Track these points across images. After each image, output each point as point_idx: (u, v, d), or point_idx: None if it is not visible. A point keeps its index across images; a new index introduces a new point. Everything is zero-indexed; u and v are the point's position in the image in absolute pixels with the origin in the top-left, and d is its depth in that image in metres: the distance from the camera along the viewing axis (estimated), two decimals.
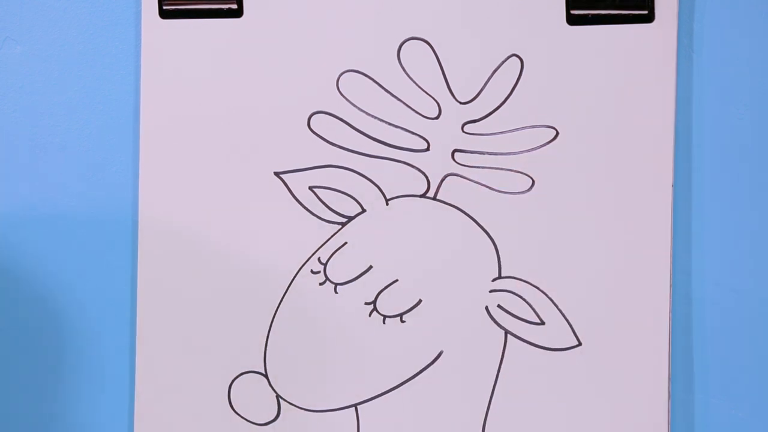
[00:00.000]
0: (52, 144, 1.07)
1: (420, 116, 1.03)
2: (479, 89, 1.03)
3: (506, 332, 1.03)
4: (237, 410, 1.05)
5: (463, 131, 1.03)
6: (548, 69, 1.02)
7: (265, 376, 1.05)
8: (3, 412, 1.08)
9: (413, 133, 1.03)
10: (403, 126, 1.03)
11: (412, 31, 1.03)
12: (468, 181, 1.03)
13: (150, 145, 1.05)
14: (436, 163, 1.03)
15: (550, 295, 1.02)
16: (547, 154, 1.02)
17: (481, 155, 1.03)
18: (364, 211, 1.04)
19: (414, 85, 1.03)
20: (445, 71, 1.03)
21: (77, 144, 1.07)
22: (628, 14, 1.01)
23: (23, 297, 1.07)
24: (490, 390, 1.03)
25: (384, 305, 1.04)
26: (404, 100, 1.03)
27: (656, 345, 1.01)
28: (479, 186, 1.03)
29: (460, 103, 1.03)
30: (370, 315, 1.04)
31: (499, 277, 1.03)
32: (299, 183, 1.04)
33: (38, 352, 1.07)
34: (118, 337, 1.06)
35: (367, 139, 1.04)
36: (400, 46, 1.03)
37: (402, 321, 1.04)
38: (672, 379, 1.01)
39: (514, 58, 1.02)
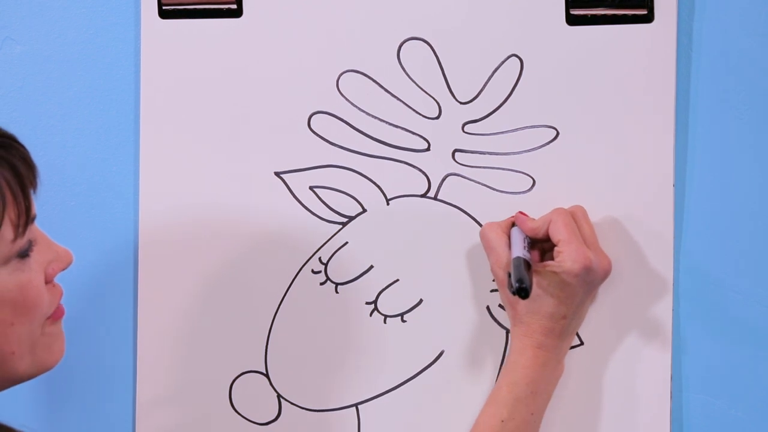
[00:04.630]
0: (52, 144, 1.07)
1: (420, 116, 1.03)
2: (479, 89, 1.03)
3: (508, 332, 1.03)
4: (238, 410, 1.05)
5: (463, 131, 1.03)
6: (548, 69, 1.02)
7: (266, 375, 1.05)
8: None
9: (414, 133, 1.03)
10: (403, 126, 1.03)
11: (412, 31, 1.03)
12: (468, 181, 1.03)
13: (150, 144, 1.05)
14: (436, 163, 1.03)
15: None
16: (547, 154, 1.02)
17: (482, 155, 1.03)
18: (364, 210, 1.04)
19: (414, 85, 1.03)
20: (445, 71, 1.03)
21: (77, 144, 1.07)
22: (628, 14, 1.01)
23: None
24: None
25: (385, 305, 1.04)
26: (404, 100, 1.03)
27: (658, 345, 1.01)
28: (480, 186, 1.03)
29: (461, 103, 1.03)
30: (371, 315, 1.04)
31: None
32: (299, 183, 1.05)
33: None
34: (120, 337, 1.06)
35: (368, 139, 1.04)
36: (400, 46, 1.03)
37: (403, 321, 1.04)
38: (673, 378, 1.01)
39: (514, 58, 1.02)
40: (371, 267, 1.04)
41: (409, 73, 1.03)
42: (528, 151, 1.02)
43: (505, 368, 0.99)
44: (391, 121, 1.04)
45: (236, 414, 1.05)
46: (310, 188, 1.04)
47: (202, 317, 1.05)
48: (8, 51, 1.06)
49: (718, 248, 1.01)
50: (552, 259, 0.98)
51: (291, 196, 1.05)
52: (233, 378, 1.05)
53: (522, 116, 1.02)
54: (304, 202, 1.05)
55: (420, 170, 1.03)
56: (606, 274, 0.98)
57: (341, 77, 1.04)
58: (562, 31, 1.02)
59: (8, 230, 0.81)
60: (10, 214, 0.81)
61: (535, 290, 0.95)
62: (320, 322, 1.04)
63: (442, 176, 1.03)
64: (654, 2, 1.01)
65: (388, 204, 1.04)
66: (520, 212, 1.01)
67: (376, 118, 1.04)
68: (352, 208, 1.04)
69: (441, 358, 1.04)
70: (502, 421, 0.97)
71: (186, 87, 1.05)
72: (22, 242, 0.82)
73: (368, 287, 1.04)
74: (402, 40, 1.03)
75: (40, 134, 1.07)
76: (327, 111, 1.04)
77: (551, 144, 1.02)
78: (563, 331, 0.98)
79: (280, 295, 1.05)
